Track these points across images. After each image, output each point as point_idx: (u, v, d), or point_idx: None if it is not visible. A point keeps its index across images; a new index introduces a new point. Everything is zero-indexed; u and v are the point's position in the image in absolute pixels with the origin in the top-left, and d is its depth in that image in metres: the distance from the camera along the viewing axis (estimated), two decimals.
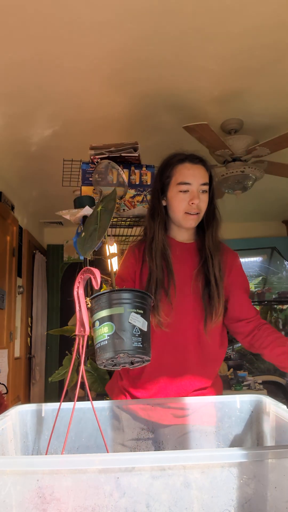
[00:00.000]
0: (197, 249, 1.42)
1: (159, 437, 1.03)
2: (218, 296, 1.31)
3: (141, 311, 0.78)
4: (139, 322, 0.77)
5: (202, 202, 1.34)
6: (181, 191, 1.33)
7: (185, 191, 1.33)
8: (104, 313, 0.75)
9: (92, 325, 0.76)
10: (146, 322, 0.81)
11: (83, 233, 0.95)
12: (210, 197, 1.38)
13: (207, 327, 1.29)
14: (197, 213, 1.34)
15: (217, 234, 1.39)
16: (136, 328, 0.76)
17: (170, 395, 1.25)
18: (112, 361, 0.75)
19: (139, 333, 0.76)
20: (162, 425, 1.07)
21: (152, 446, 0.93)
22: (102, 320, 0.75)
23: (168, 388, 1.28)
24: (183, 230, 1.41)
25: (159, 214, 1.37)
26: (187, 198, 1.33)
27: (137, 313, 0.77)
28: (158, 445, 0.84)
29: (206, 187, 1.34)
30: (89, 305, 0.78)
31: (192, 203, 1.32)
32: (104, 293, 0.77)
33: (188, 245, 1.42)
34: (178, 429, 0.98)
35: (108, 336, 0.73)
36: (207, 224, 1.39)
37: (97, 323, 0.75)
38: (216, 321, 1.31)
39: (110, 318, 0.75)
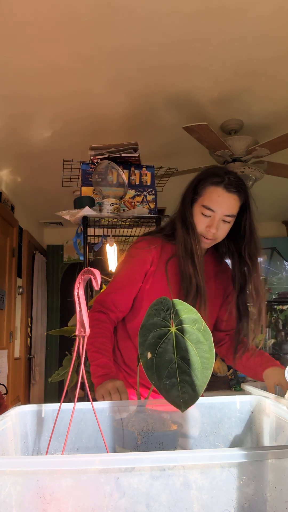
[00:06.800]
0: (210, 267, 1.42)
1: (159, 437, 1.03)
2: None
3: None
4: None
5: (221, 231, 1.32)
6: (202, 214, 1.30)
7: (207, 216, 1.30)
8: None
9: None
10: None
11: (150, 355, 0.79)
12: (249, 229, 1.32)
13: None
14: (212, 239, 1.33)
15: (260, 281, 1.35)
16: None
17: None
18: None
19: None
20: (162, 425, 1.08)
21: (152, 446, 0.93)
22: None
23: None
24: None
25: (194, 228, 1.31)
26: (206, 223, 1.30)
27: None
28: (158, 445, 0.84)
29: (230, 219, 1.31)
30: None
31: (208, 230, 1.30)
32: None
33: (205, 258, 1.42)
34: (178, 429, 0.98)
35: None
36: (251, 262, 1.33)
37: None
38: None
39: None
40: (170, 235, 1.39)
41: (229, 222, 1.32)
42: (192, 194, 1.34)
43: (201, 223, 1.31)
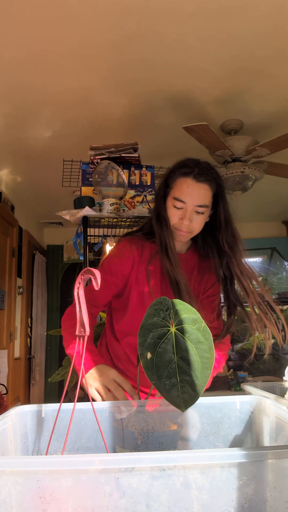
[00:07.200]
0: (192, 263, 1.39)
1: (159, 437, 1.03)
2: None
3: None
4: None
5: (195, 223, 1.28)
6: (174, 206, 1.28)
7: (179, 208, 1.27)
8: None
9: None
10: None
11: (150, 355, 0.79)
12: (223, 218, 1.28)
13: None
14: (187, 231, 1.30)
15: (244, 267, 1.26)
16: None
17: None
18: None
19: None
20: (162, 425, 1.07)
21: (152, 446, 0.93)
22: None
23: None
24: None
25: (167, 222, 1.29)
26: (179, 215, 1.28)
27: None
28: (158, 446, 0.84)
29: (202, 209, 1.27)
30: None
31: (181, 222, 1.27)
32: None
33: (183, 257, 1.39)
34: (178, 429, 0.98)
35: None
36: (232, 251, 1.27)
37: None
38: None
39: None
40: (148, 233, 1.38)
41: (203, 213, 1.28)
42: (164, 188, 1.32)
43: (174, 216, 1.28)
